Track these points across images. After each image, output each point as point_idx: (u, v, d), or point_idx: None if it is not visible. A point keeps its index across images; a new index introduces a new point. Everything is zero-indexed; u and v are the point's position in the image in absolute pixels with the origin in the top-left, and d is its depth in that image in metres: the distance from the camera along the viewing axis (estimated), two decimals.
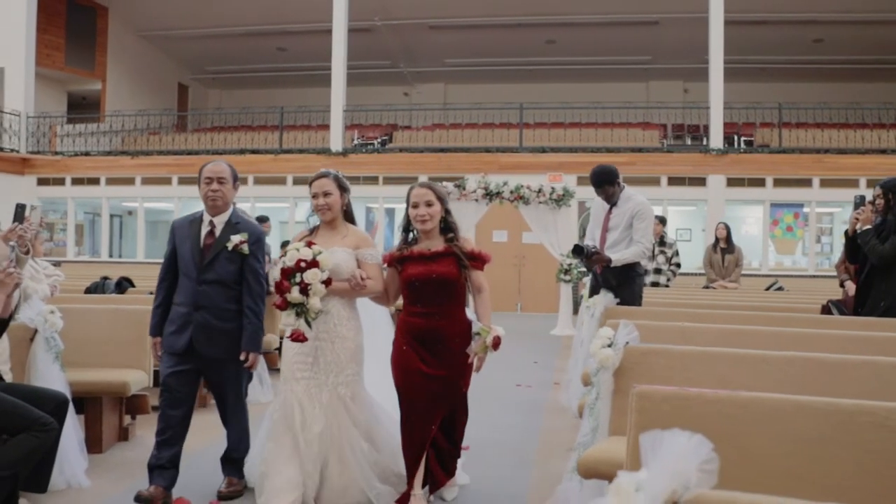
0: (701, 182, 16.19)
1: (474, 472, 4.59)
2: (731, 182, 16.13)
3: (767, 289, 9.98)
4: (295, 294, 3.79)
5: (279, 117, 18.85)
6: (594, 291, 5.92)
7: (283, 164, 17.69)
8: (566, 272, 12.43)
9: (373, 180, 17.13)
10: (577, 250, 5.62)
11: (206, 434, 5.17)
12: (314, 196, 4.13)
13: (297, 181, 17.28)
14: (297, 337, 3.85)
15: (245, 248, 4.14)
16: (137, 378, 5.14)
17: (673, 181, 16.26)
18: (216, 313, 4.10)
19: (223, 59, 23.71)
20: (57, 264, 15.24)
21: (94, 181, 18.41)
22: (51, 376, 4.34)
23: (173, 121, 22.41)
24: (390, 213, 19.19)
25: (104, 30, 21.24)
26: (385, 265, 4.16)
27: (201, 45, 22.84)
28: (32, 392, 3.90)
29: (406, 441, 3.92)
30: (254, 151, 18.19)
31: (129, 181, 18.26)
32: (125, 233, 21.22)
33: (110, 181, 18.43)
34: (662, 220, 10.34)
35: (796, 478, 2.47)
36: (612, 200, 5.82)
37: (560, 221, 12.71)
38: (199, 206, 4.35)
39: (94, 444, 4.93)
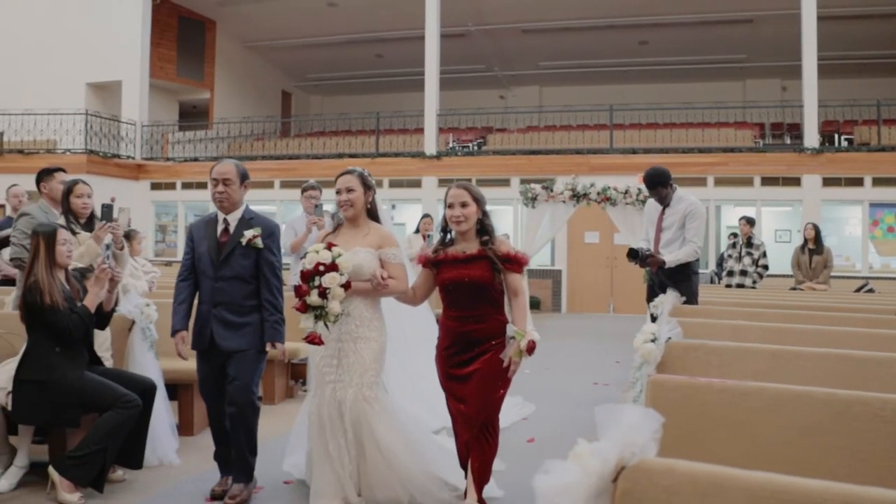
0: (795, 182, 15.86)
1: (531, 464, 4.81)
2: (828, 182, 15.73)
3: (857, 290, 9.83)
4: (314, 297, 3.77)
5: (375, 122, 19.40)
6: (651, 292, 6.08)
7: (380, 167, 18.16)
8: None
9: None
10: (633, 253, 5.79)
11: (289, 421, 5.57)
12: (337, 192, 4.13)
13: (392, 184, 17.74)
14: (313, 340, 3.84)
15: (259, 241, 4.17)
16: None
17: (766, 181, 15.99)
18: (234, 308, 4.15)
19: (324, 67, 24.51)
20: (168, 264, 16.18)
21: (202, 185, 19.33)
22: (146, 364, 4.82)
23: (277, 127, 23.33)
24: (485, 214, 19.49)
25: (212, 42, 22.30)
26: (419, 265, 4.12)
27: (303, 53, 23.65)
28: (125, 376, 4.40)
29: (457, 442, 3.95)
30: (351, 155, 18.75)
31: None
32: None
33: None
34: (750, 222, 10.29)
35: (795, 463, 2.64)
36: (665, 202, 5.98)
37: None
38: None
39: (185, 427, 5.45)
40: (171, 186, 19.56)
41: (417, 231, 11.26)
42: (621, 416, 1.84)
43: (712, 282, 12.06)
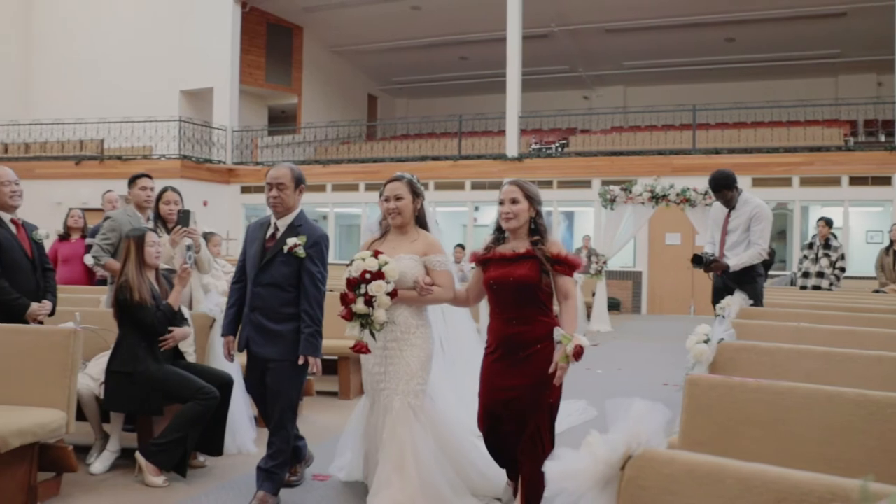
0: (886, 181, 15.38)
1: None
2: None
3: None
4: (360, 305, 3.75)
5: (458, 124, 19.64)
6: (717, 294, 6.10)
7: (461, 169, 18.39)
8: None
9: (547, 184, 17.52)
10: (696, 259, 5.85)
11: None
12: (385, 199, 4.08)
13: (474, 186, 17.93)
14: (360, 349, 3.82)
15: (300, 251, 4.04)
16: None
17: (854, 181, 15.55)
18: (269, 315, 4.06)
19: (409, 70, 24.83)
20: None
21: None
22: (225, 359, 5.13)
23: (362, 130, 23.81)
24: (569, 216, 19.56)
25: (300, 48, 22.89)
26: (473, 265, 4.01)
27: (388, 57, 24.04)
28: (205, 370, 4.73)
29: (493, 456, 3.86)
30: (434, 158, 19.02)
31: (321, 188, 19.56)
32: None
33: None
34: (829, 223, 10.11)
35: (826, 462, 2.72)
36: (730, 204, 6.00)
37: None
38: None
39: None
40: (260, 190, 20.05)
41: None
42: (630, 408, 1.98)
43: (793, 284, 11.86)
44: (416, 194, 4.14)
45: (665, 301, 17.12)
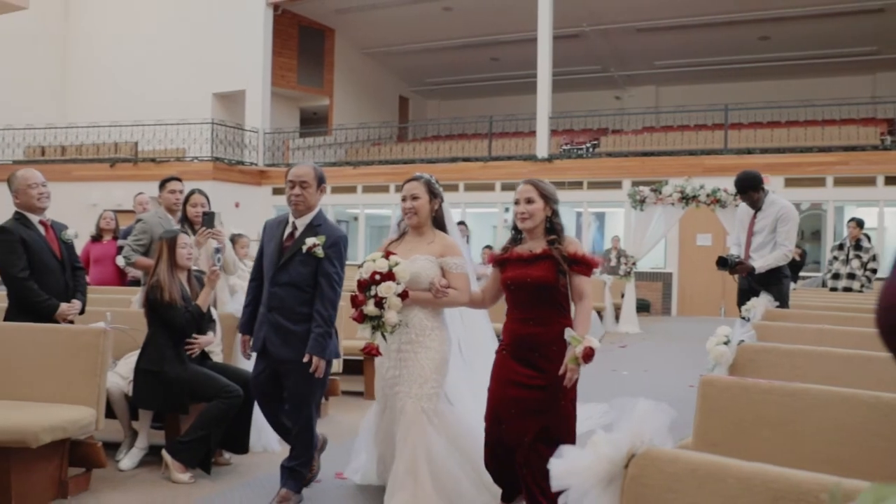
0: None
1: None
2: None
3: None
4: (370, 307, 3.73)
5: (488, 125, 19.65)
6: (742, 296, 6.07)
7: (492, 171, 18.40)
8: None
9: (578, 185, 17.49)
10: (721, 262, 5.84)
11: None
12: (403, 199, 4.05)
13: (504, 187, 17.92)
14: (370, 351, 3.83)
15: (319, 251, 3.99)
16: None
17: (890, 181, 15.25)
18: (287, 314, 4.02)
19: (440, 71, 24.88)
20: None
21: None
22: (251, 359, 5.22)
23: (393, 132, 23.91)
24: (600, 216, 19.51)
25: (331, 50, 23.05)
26: (491, 265, 3.97)
27: (420, 58, 24.13)
28: (230, 370, 4.83)
29: (487, 455, 3.77)
30: (465, 159, 19.06)
31: (352, 189, 19.68)
32: (349, 236, 22.88)
33: (335, 190, 19.93)
34: (860, 224, 10.00)
35: (838, 463, 2.71)
36: (756, 206, 5.98)
37: None
38: None
39: None
40: None
41: None
42: (634, 408, 2.01)
43: (824, 285, 11.73)
44: (434, 195, 4.09)
45: (695, 302, 17.01)
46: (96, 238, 8.42)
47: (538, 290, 3.63)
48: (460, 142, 20.73)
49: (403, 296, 3.76)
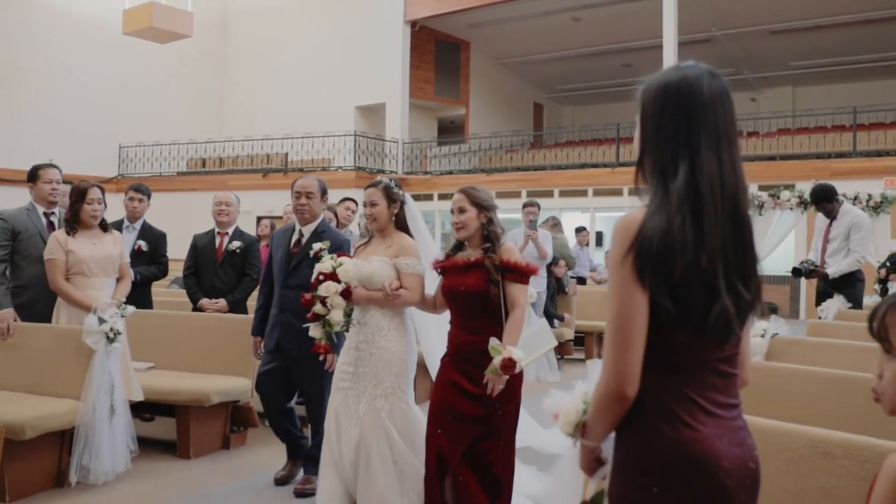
0: None
1: None
2: None
3: None
4: (318, 306, 3.86)
5: (616, 131, 20.06)
6: (819, 298, 6.51)
7: (619, 176, 18.67)
8: (881, 282, 12.17)
9: None
10: (796, 271, 6.32)
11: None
12: (364, 205, 4.11)
13: (631, 192, 18.16)
14: (318, 349, 4.01)
15: (325, 255, 4.15)
16: None
17: None
18: (298, 315, 4.17)
19: (573, 78, 25.40)
20: None
21: None
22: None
23: (526, 139, 24.63)
24: None
25: (467, 62, 24.00)
26: (438, 272, 3.90)
27: (552, 67, 24.71)
28: None
29: (427, 459, 3.69)
30: (593, 165, 19.52)
31: None
32: None
33: None
34: None
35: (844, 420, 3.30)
36: (831, 215, 6.44)
37: (877, 229, 12.43)
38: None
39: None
40: (429, 198, 21.19)
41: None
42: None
43: None
44: (392, 200, 4.08)
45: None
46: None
47: (470, 299, 3.62)
48: (588, 148, 21.17)
49: (346, 294, 3.86)
